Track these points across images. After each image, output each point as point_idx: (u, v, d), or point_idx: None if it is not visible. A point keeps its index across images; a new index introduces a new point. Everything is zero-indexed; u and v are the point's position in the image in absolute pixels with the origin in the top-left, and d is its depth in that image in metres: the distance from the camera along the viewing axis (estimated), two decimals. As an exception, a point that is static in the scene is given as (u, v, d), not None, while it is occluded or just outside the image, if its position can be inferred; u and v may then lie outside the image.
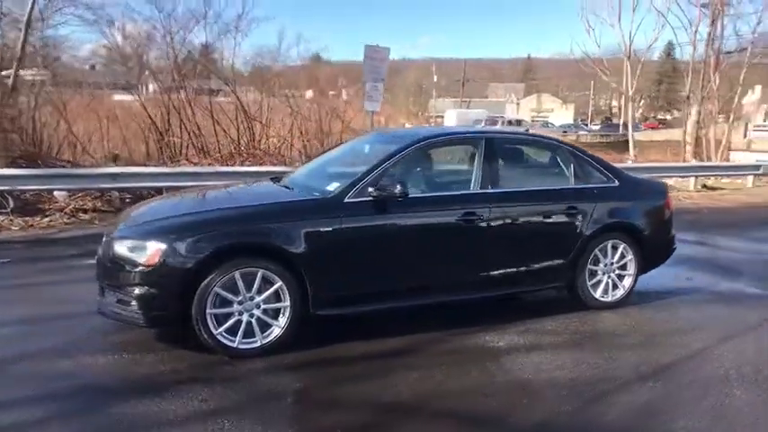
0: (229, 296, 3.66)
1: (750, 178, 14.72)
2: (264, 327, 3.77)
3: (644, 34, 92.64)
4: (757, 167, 14.67)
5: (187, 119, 11.22)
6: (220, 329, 3.66)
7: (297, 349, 3.81)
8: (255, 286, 3.71)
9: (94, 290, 3.92)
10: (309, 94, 16.30)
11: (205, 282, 3.58)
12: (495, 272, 4.42)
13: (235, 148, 11.34)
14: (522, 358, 3.88)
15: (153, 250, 3.56)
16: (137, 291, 3.59)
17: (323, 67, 20.29)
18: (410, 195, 4.01)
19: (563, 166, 4.87)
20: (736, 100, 20.47)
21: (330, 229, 3.86)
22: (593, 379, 3.56)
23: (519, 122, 41.31)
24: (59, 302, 4.76)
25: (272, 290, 3.74)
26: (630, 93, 22.22)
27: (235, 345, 3.70)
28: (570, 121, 57.62)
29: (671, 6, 20.19)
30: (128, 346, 3.86)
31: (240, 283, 3.67)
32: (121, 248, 3.69)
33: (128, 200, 9.09)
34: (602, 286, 4.84)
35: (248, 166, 10.46)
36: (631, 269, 4.92)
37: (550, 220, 4.63)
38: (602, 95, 70.17)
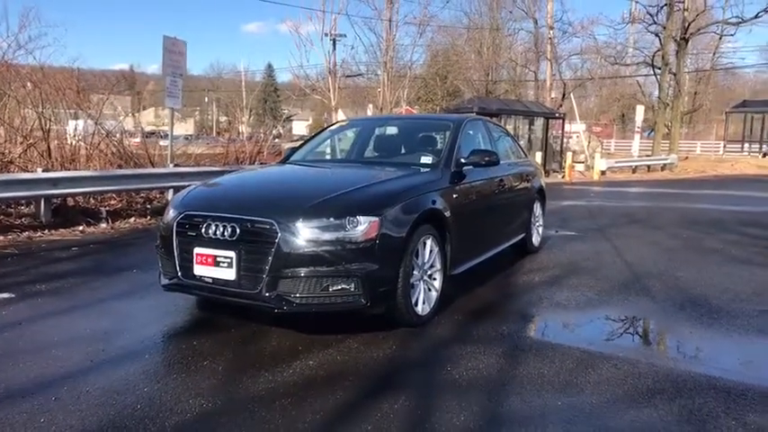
0: (417, 264, 3.72)
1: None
2: (427, 292, 3.93)
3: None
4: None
5: None
6: (413, 298, 3.69)
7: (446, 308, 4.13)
8: (427, 253, 3.85)
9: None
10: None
11: (408, 250, 3.58)
12: (508, 227, 5.50)
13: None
14: (561, 281, 5.13)
15: (368, 224, 3.35)
16: (356, 269, 3.30)
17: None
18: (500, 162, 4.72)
19: (515, 147, 6.24)
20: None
21: (456, 195, 4.26)
22: (598, 278, 5.11)
23: (152, 134, 39.83)
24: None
25: (434, 255, 3.93)
26: (333, 103, 24.24)
27: (420, 312, 3.78)
28: (192, 132, 58.33)
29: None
30: (313, 346, 3.43)
31: (421, 251, 3.77)
32: (315, 230, 3.29)
33: None
34: (534, 235, 6.41)
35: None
36: (541, 221, 6.66)
37: (524, 185, 5.94)
38: (208, 111, 72.65)
